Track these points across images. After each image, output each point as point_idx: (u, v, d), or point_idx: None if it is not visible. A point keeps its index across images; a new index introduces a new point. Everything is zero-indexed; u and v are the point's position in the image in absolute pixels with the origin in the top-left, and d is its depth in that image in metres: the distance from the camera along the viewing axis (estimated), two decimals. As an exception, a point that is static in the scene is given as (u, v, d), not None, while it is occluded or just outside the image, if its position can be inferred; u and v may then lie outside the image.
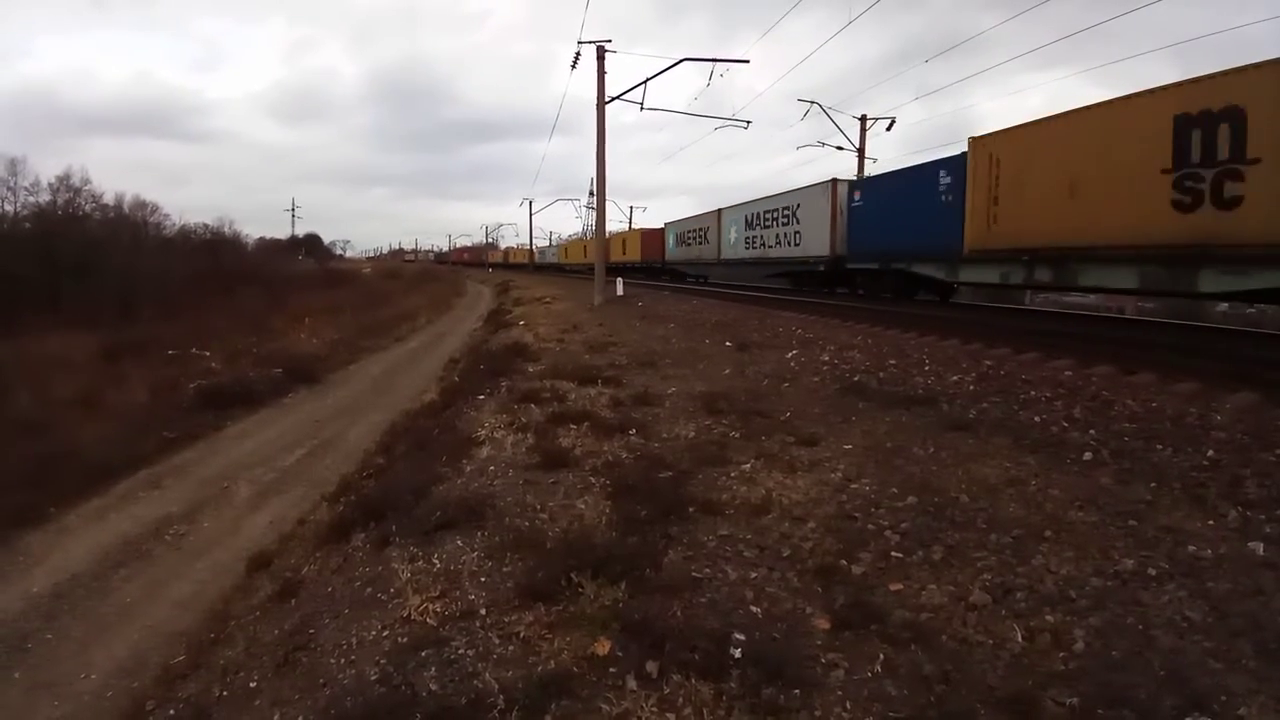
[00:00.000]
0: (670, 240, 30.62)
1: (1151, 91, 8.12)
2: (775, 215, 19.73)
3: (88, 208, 34.59)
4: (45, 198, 33.08)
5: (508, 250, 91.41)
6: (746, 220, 21.83)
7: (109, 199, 36.68)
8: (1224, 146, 7.22)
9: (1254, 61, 7.01)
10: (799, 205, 18.29)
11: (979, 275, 12.28)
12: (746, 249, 21.93)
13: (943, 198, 12.47)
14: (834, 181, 16.65)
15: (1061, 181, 9.49)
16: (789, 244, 18.94)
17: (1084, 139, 9.12)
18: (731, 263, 23.68)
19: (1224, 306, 9.78)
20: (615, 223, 52.48)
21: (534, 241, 65.38)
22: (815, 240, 17.36)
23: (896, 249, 13.91)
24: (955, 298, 15.37)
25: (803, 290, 18.73)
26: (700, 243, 26.49)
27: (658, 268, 32.39)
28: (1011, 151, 10.66)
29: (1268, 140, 6.87)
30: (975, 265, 11.95)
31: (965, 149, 11.74)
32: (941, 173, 12.65)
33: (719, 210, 24.32)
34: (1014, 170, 10.54)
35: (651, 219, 64.10)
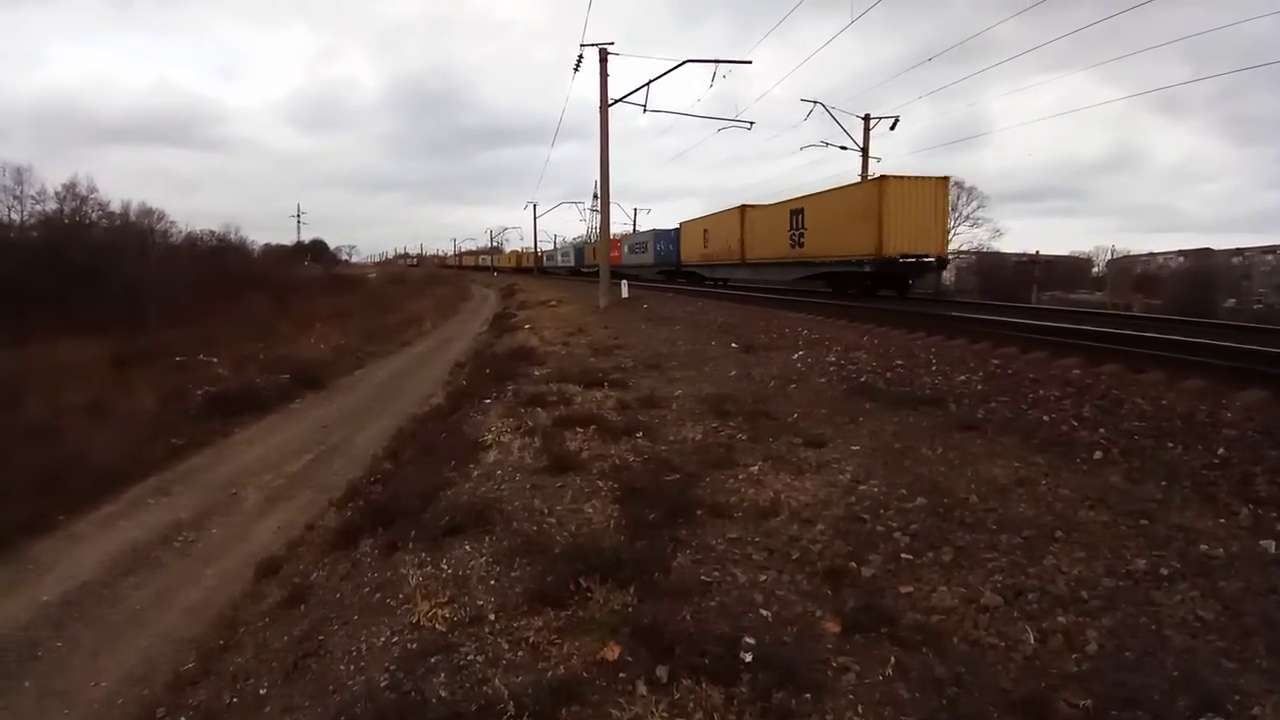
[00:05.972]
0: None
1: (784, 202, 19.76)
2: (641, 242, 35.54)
3: (94, 215, 34.71)
4: (52, 206, 33.24)
5: (461, 255, 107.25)
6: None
7: (115, 206, 36.76)
8: (799, 223, 18.43)
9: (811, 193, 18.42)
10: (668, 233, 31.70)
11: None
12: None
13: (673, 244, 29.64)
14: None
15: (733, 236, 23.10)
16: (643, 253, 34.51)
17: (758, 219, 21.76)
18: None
19: (1231, 302, 9.97)
20: (619, 225, 53.18)
21: (538, 246, 65.64)
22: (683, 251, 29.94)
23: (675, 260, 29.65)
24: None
25: (815, 293, 19.99)
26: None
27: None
28: (709, 224, 25.83)
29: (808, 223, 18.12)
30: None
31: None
32: (671, 232, 30.30)
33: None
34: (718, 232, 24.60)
35: (656, 221, 65.75)
